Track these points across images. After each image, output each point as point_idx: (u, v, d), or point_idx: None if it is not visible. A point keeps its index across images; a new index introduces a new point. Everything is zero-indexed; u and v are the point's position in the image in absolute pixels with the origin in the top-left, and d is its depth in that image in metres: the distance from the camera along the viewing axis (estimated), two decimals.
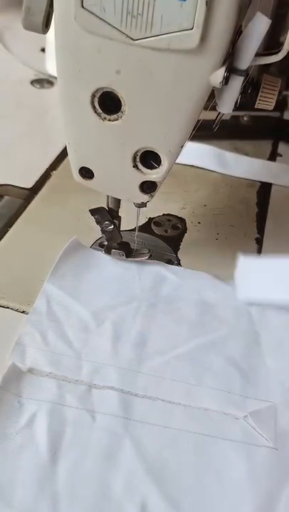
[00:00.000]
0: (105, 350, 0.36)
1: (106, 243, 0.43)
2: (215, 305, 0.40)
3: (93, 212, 0.40)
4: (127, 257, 0.42)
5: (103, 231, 0.41)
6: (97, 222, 0.41)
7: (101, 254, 0.43)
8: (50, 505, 0.28)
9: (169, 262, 0.44)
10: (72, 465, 0.30)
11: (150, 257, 0.43)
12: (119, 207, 0.40)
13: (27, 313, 0.39)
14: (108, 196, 0.39)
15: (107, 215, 0.40)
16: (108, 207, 0.40)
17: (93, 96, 0.31)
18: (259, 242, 0.48)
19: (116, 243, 0.42)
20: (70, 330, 0.37)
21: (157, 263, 0.42)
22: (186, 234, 0.48)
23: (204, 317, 0.39)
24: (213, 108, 0.32)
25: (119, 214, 0.41)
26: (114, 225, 0.40)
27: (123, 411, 0.32)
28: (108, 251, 0.43)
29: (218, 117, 0.36)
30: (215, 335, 0.37)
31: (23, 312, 0.39)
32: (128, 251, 0.42)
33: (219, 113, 0.34)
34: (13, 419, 0.31)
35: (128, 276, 0.41)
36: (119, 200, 0.39)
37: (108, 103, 0.32)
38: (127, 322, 0.38)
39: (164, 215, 0.49)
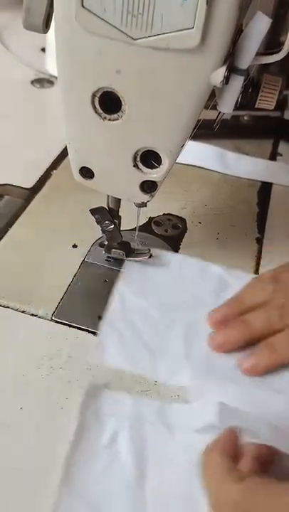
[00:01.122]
0: (178, 352, 0.36)
1: (106, 243, 0.43)
2: None
3: (93, 211, 0.40)
4: (127, 256, 0.42)
5: (103, 231, 0.41)
6: (98, 222, 0.41)
7: (168, 254, 0.44)
8: None
9: None
10: (160, 483, 0.30)
11: (150, 257, 0.43)
12: (119, 207, 0.40)
13: (27, 313, 0.39)
14: (108, 196, 0.39)
15: (108, 214, 0.40)
16: (108, 207, 0.40)
17: (94, 96, 0.31)
18: (259, 241, 0.48)
19: (116, 243, 0.42)
20: (144, 330, 0.38)
21: (219, 267, 0.43)
22: (186, 234, 0.48)
23: None
24: (214, 107, 0.32)
25: (120, 214, 0.41)
26: (115, 224, 0.40)
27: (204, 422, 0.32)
28: (108, 250, 0.43)
29: (219, 117, 0.36)
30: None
31: (23, 312, 0.39)
32: (128, 251, 0.42)
33: (220, 112, 0.34)
34: (97, 436, 0.31)
35: (193, 277, 0.42)
36: (120, 199, 0.39)
37: (109, 103, 0.32)
38: (197, 326, 0.38)
39: (164, 214, 0.49)
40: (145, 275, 0.42)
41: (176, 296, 0.41)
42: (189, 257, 0.44)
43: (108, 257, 0.43)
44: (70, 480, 0.29)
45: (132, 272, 0.42)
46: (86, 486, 0.29)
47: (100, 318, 0.39)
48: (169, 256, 0.44)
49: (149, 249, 0.43)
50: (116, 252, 0.42)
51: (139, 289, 0.41)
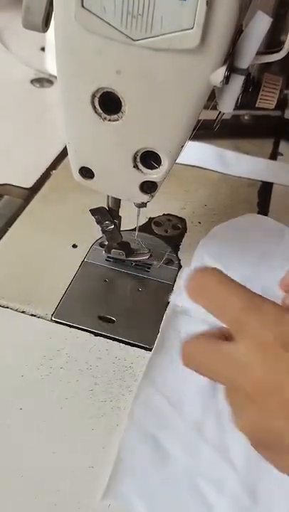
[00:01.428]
0: None
1: (106, 243, 0.43)
2: None
3: (93, 212, 0.40)
4: (127, 256, 0.42)
5: (103, 231, 0.41)
6: (98, 222, 0.41)
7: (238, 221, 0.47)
8: (214, 420, 0.32)
9: (169, 262, 0.44)
10: None
11: (150, 257, 0.43)
12: (119, 207, 0.40)
13: (27, 313, 0.39)
14: (108, 196, 0.39)
15: (108, 215, 0.40)
16: (108, 207, 0.40)
17: (93, 96, 0.31)
18: None
19: (116, 243, 0.42)
20: None
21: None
22: (186, 234, 0.48)
23: None
24: (214, 107, 0.32)
25: (119, 214, 0.41)
26: (115, 224, 0.40)
27: None
28: (108, 251, 0.43)
29: (219, 117, 0.36)
30: None
31: (22, 312, 0.39)
32: (128, 251, 0.42)
33: (219, 112, 0.34)
34: (176, 349, 0.35)
35: (270, 239, 0.45)
36: (120, 200, 0.39)
37: (108, 103, 0.31)
38: (274, 289, 0.37)
39: (164, 215, 0.49)
40: (221, 246, 0.45)
41: (253, 262, 0.43)
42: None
43: (108, 256, 0.43)
44: (150, 376, 0.35)
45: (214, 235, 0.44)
46: (164, 382, 0.34)
47: (100, 318, 0.39)
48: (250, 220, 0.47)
49: (149, 250, 0.43)
50: (116, 252, 0.42)
51: (217, 253, 0.43)
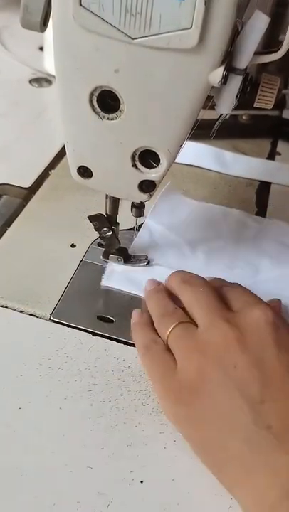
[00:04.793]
0: (199, 272, 0.39)
1: (104, 244, 0.43)
2: None
3: (92, 218, 0.40)
4: (125, 262, 0.42)
5: (101, 237, 0.41)
6: (96, 229, 0.41)
7: (192, 201, 0.50)
8: None
9: None
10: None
11: (148, 264, 0.43)
12: (117, 213, 0.40)
13: (25, 313, 0.39)
14: (106, 203, 0.40)
15: (106, 221, 0.40)
16: (106, 213, 0.40)
17: (92, 95, 0.31)
18: None
19: (114, 249, 0.42)
20: (170, 254, 0.44)
21: (241, 212, 0.49)
22: None
23: (282, 253, 0.45)
24: (212, 107, 0.32)
25: (117, 220, 0.41)
26: (113, 231, 0.41)
27: None
28: (106, 256, 0.43)
29: (217, 123, 0.36)
30: None
31: (21, 312, 0.39)
32: (126, 256, 0.42)
33: (219, 117, 0.34)
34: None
35: (216, 218, 0.49)
36: (117, 206, 0.40)
37: (107, 102, 0.31)
38: (216, 253, 0.45)
39: None
40: (172, 212, 0.48)
41: (199, 232, 0.47)
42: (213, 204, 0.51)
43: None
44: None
45: (160, 208, 0.48)
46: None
47: (98, 318, 0.39)
48: (194, 202, 0.50)
49: (147, 256, 0.43)
50: (114, 258, 0.42)
51: (166, 223, 0.47)
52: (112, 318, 0.39)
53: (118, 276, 0.42)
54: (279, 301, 0.39)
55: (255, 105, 0.33)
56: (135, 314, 0.38)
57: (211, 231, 0.47)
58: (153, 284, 0.39)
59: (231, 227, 0.48)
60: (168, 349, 0.34)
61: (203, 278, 0.37)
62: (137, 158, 0.34)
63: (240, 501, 0.28)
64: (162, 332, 0.35)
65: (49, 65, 0.69)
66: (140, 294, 0.40)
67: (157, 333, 0.35)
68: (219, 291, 0.36)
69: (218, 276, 0.40)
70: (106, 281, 0.41)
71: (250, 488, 0.28)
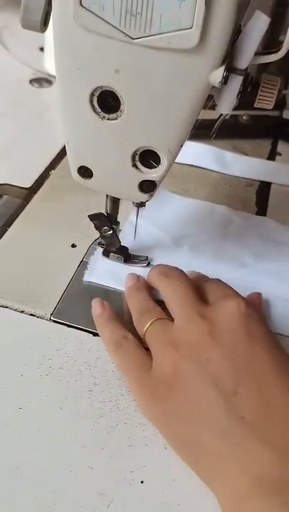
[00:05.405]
0: (183, 266, 0.39)
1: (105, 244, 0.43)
2: (276, 241, 0.47)
3: (92, 218, 0.40)
4: (125, 262, 0.42)
5: (102, 236, 0.41)
6: (96, 228, 0.41)
7: (177, 196, 0.51)
8: None
9: None
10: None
11: (148, 265, 0.43)
12: (117, 212, 0.40)
13: (26, 313, 0.39)
14: (106, 202, 0.40)
15: (106, 220, 0.40)
16: (107, 212, 0.40)
17: (92, 95, 0.31)
18: None
19: (115, 248, 0.42)
20: (154, 249, 0.44)
21: (226, 208, 0.50)
22: None
23: (266, 249, 0.46)
24: (212, 107, 0.32)
25: (118, 220, 0.41)
26: (113, 230, 0.41)
27: None
28: (107, 254, 0.43)
29: (217, 123, 0.36)
30: (275, 261, 0.45)
31: (22, 312, 0.39)
32: (126, 256, 0.42)
33: (219, 117, 0.34)
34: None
35: (201, 213, 0.49)
36: (118, 205, 0.40)
37: (107, 102, 0.31)
38: (201, 247, 0.45)
39: None
40: (157, 208, 0.48)
41: (184, 227, 0.47)
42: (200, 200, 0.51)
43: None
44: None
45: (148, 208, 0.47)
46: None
47: None
48: (179, 197, 0.51)
49: (147, 257, 0.43)
50: (114, 257, 0.42)
51: (150, 218, 0.46)
52: None
53: (100, 272, 0.42)
54: (259, 294, 0.40)
55: (255, 105, 0.33)
56: (97, 306, 0.37)
57: (195, 226, 0.47)
58: (133, 279, 0.39)
59: (216, 222, 0.48)
60: (140, 345, 0.34)
61: (182, 271, 0.37)
62: (137, 158, 0.34)
63: (216, 494, 0.28)
64: (140, 328, 0.35)
65: (49, 65, 0.69)
66: (122, 288, 0.40)
67: (126, 328, 0.36)
68: (197, 284, 0.36)
69: (201, 271, 0.40)
70: (88, 277, 0.42)
71: (223, 480, 0.28)
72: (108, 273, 0.42)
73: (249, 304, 0.33)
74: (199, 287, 0.36)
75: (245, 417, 0.28)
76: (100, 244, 0.44)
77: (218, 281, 0.37)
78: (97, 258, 0.43)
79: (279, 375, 0.30)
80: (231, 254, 0.45)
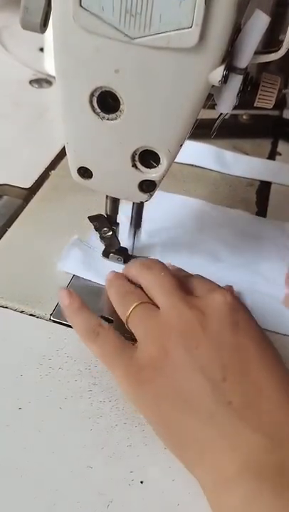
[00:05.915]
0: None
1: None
2: (250, 233, 0.48)
3: (92, 219, 0.40)
4: (124, 262, 0.42)
5: (102, 237, 0.41)
6: (96, 229, 0.41)
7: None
8: None
9: None
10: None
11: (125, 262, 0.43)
12: (117, 214, 0.40)
13: (26, 313, 0.39)
14: (106, 203, 0.40)
15: (106, 222, 0.40)
16: (106, 214, 0.40)
17: (92, 95, 0.31)
18: None
19: (114, 249, 0.42)
20: (130, 243, 0.43)
21: (201, 201, 0.50)
22: None
23: (243, 242, 0.46)
24: (212, 107, 0.32)
25: (117, 221, 0.41)
26: (113, 231, 0.41)
27: None
28: (106, 255, 0.43)
29: (217, 122, 0.36)
30: (250, 255, 0.45)
31: (21, 312, 0.39)
32: (126, 257, 0.42)
33: (219, 116, 0.34)
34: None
35: (177, 207, 0.49)
36: (118, 207, 0.40)
37: (107, 102, 0.31)
38: (176, 241, 0.46)
39: None
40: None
41: (159, 221, 0.47)
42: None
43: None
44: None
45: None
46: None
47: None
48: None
49: (147, 258, 0.43)
50: (114, 257, 0.42)
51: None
52: (112, 318, 0.39)
53: (74, 262, 0.42)
54: (231, 287, 0.40)
55: (255, 105, 0.33)
56: (65, 296, 0.36)
57: (171, 220, 0.47)
58: (113, 273, 0.39)
59: (192, 216, 0.48)
60: (118, 332, 0.34)
61: (163, 263, 0.37)
62: (137, 158, 0.34)
63: (200, 480, 0.28)
64: (122, 311, 0.35)
65: (49, 65, 0.69)
66: (96, 281, 0.41)
67: (96, 315, 0.35)
68: (179, 278, 0.36)
69: (177, 264, 0.40)
70: (61, 266, 0.42)
71: (210, 464, 0.28)
72: (83, 264, 0.42)
73: (235, 296, 0.34)
74: (183, 281, 0.36)
75: (233, 402, 0.29)
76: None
77: (200, 276, 0.38)
78: (70, 247, 0.43)
79: (265, 364, 0.30)
80: (207, 248, 0.45)
